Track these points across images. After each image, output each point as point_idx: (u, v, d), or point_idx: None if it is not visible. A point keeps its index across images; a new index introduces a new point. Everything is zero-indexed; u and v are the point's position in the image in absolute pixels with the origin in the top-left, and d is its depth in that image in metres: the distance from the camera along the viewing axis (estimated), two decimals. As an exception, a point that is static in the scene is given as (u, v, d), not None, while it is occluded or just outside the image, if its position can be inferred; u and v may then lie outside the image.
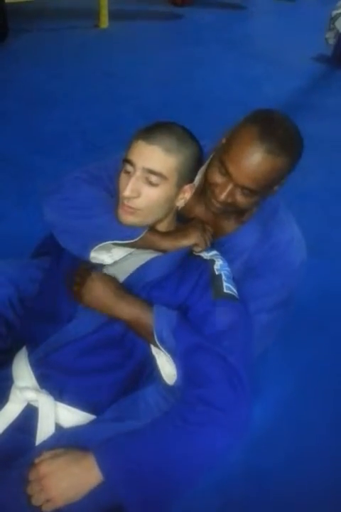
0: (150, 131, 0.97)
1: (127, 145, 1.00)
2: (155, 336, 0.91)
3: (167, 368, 0.95)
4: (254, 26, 5.16)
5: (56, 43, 3.87)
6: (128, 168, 0.97)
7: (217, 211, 1.06)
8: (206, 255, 1.02)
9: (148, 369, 0.99)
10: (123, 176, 0.98)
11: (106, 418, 0.94)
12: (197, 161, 1.02)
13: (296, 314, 1.38)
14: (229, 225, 1.12)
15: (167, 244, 1.00)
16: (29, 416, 0.95)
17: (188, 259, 1.01)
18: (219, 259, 1.02)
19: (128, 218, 0.98)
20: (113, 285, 0.97)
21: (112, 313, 0.95)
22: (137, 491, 0.84)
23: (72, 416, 0.96)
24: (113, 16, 4.33)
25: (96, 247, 0.98)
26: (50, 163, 2.27)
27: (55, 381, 0.97)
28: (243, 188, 0.98)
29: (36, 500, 0.82)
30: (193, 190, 1.05)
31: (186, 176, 1.00)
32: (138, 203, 0.96)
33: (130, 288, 0.98)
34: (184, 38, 4.45)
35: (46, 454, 0.87)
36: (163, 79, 3.46)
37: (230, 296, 0.97)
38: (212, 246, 1.07)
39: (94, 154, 2.36)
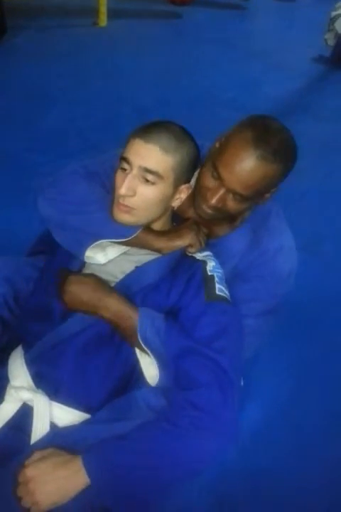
0: (148, 129, 0.97)
1: (124, 143, 1.00)
2: (139, 336, 0.91)
3: (150, 369, 0.95)
4: (253, 26, 5.16)
5: (54, 41, 3.86)
6: (125, 166, 0.97)
7: (206, 216, 1.05)
8: (199, 255, 1.03)
9: (138, 369, 0.99)
10: (119, 173, 0.98)
11: (99, 419, 0.94)
12: (194, 161, 1.02)
13: (290, 314, 1.39)
14: (221, 229, 1.13)
15: (161, 244, 1.00)
16: (24, 415, 0.95)
17: (181, 260, 1.01)
18: (212, 261, 1.02)
19: (123, 217, 0.98)
20: (91, 285, 0.96)
21: (95, 312, 0.96)
22: (124, 495, 0.84)
23: (66, 415, 0.96)
24: (112, 14, 4.32)
25: (91, 246, 0.98)
26: (47, 161, 2.26)
27: (50, 380, 0.97)
28: (234, 193, 0.98)
29: (24, 503, 0.83)
30: (190, 191, 1.05)
31: (183, 176, 1.00)
32: (134, 201, 0.96)
33: (126, 289, 0.98)
34: (183, 37, 4.44)
35: (35, 456, 0.87)
36: (161, 78, 3.46)
37: (222, 299, 0.97)
38: (205, 247, 1.07)
39: (92, 152, 2.34)
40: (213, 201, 0.99)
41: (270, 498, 1.15)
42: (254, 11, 5.50)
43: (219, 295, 0.96)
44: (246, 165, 0.94)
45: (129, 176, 0.95)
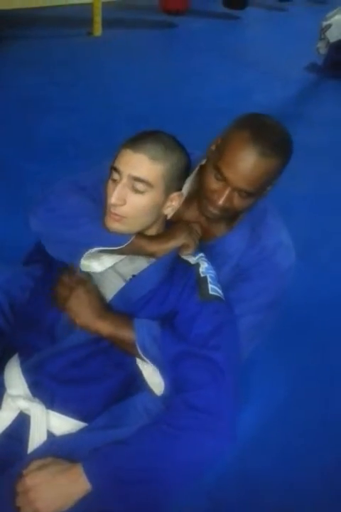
0: (137, 139, 0.98)
1: (115, 154, 1.01)
2: (138, 347, 0.92)
3: (154, 378, 0.95)
4: (247, 36, 5.23)
5: (49, 50, 3.89)
6: (115, 175, 0.97)
7: (214, 217, 1.08)
8: (193, 259, 1.03)
9: (139, 379, 1.00)
10: (110, 183, 0.99)
11: (96, 426, 0.94)
12: (185, 169, 1.03)
13: (285, 318, 1.40)
14: (219, 230, 1.14)
15: (155, 247, 1.01)
16: (21, 423, 0.95)
17: (176, 266, 1.02)
18: (205, 262, 1.03)
19: (114, 225, 0.99)
20: (95, 301, 0.97)
21: (91, 329, 0.96)
22: (125, 499, 0.84)
23: (63, 424, 0.95)
24: (106, 24, 4.37)
25: (85, 254, 0.99)
26: (41, 170, 2.28)
27: (47, 389, 0.96)
28: (240, 190, 1.00)
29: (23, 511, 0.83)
30: (182, 199, 1.06)
31: (173, 184, 1.00)
32: (125, 210, 0.97)
33: (125, 300, 0.99)
34: (177, 46, 4.50)
35: (33, 465, 0.87)
36: (155, 87, 3.49)
37: (216, 298, 0.98)
38: (201, 249, 1.07)
39: (86, 161, 2.36)
40: (221, 202, 1.01)
41: (266, 503, 1.16)
42: (247, 21, 5.57)
43: (213, 295, 0.97)
44: (248, 162, 0.97)
45: (119, 186, 0.96)
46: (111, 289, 1.02)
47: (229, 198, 1.01)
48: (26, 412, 0.95)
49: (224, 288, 1.03)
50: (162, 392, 0.94)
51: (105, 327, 0.95)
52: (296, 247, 1.18)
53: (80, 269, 1.01)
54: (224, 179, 1.00)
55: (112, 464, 0.85)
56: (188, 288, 0.98)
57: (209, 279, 0.99)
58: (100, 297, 0.99)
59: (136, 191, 0.96)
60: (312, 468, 1.23)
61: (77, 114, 2.91)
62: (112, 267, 1.01)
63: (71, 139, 2.62)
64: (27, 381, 0.98)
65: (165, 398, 0.94)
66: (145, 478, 0.85)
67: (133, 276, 1.02)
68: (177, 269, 1.02)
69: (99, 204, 1.04)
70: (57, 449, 0.91)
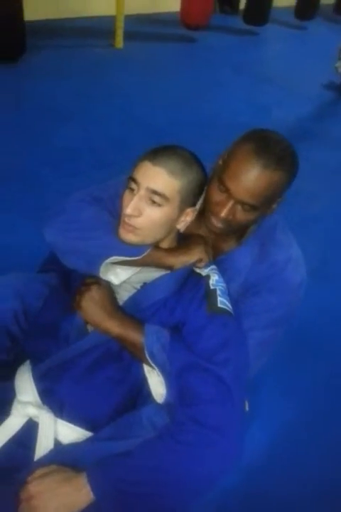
0: (157, 153, 0.99)
1: (133, 164, 1.02)
2: (146, 352, 0.92)
3: (158, 388, 0.96)
4: (266, 52, 5.26)
5: (72, 61, 3.96)
6: (133, 186, 0.98)
7: (217, 230, 1.07)
8: (204, 271, 1.03)
9: (145, 390, 1.00)
10: (127, 193, 1.00)
11: (102, 436, 0.95)
12: (201, 185, 1.04)
13: (297, 337, 1.39)
14: (228, 245, 1.14)
15: (173, 260, 1.02)
16: (29, 430, 0.96)
17: (188, 277, 1.03)
18: (215, 274, 1.03)
19: (127, 236, 0.99)
20: (107, 301, 0.99)
21: (101, 327, 0.98)
22: (128, 510, 0.84)
23: (71, 433, 0.96)
24: (128, 36, 4.43)
25: (103, 266, 1.00)
26: (59, 178, 2.32)
27: (57, 397, 0.97)
28: (243, 203, 1.00)
29: None
30: (195, 214, 1.06)
31: (188, 200, 1.01)
32: (139, 222, 0.98)
33: (136, 305, 1.00)
34: (196, 61, 4.54)
35: (38, 472, 0.88)
36: (174, 100, 3.52)
37: (224, 311, 0.97)
38: (212, 262, 1.08)
39: (103, 171, 2.39)
40: (223, 214, 1.01)
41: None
42: (266, 38, 5.60)
43: (221, 308, 0.97)
44: (251, 174, 0.97)
45: (136, 197, 0.97)
46: (123, 296, 1.03)
47: (232, 211, 1.01)
48: (35, 419, 0.96)
49: (236, 303, 1.02)
50: (163, 402, 0.94)
51: (114, 326, 0.96)
52: (311, 266, 1.18)
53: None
54: (227, 191, 1.00)
55: (116, 475, 0.85)
56: (197, 299, 0.98)
57: (218, 292, 0.99)
58: (113, 299, 1.00)
59: (152, 204, 0.97)
60: (320, 489, 1.21)
61: (96, 125, 2.96)
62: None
63: (89, 148, 2.66)
64: (37, 388, 0.99)
65: (167, 406, 0.94)
66: (148, 492, 0.85)
67: (144, 283, 1.03)
68: (188, 280, 1.02)
69: (115, 217, 1.05)
70: (63, 457, 0.92)
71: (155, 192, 0.96)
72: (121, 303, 1.02)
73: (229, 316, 0.98)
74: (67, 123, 2.91)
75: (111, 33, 4.41)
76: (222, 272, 1.07)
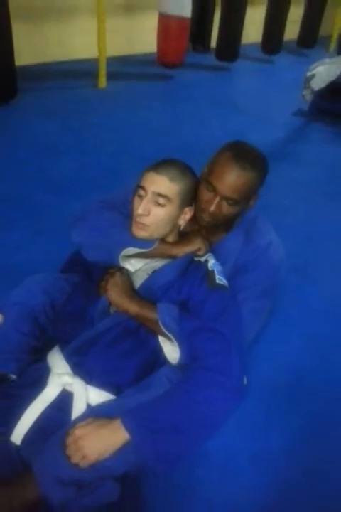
0: (159, 164, 1.25)
1: (139, 176, 1.28)
2: (160, 323, 1.14)
3: (172, 353, 1.17)
4: (238, 85, 5.65)
5: (60, 101, 4.22)
6: (141, 192, 1.23)
7: (207, 224, 1.33)
8: (203, 258, 1.28)
9: (161, 357, 1.20)
10: (136, 199, 1.25)
11: (127, 394, 1.13)
12: (195, 189, 1.30)
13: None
14: (217, 237, 1.40)
15: (176, 250, 1.26)
16: (64, 398, 1.14)
17: (190, 264, 1.26)
18: (212, 259, 1.28)
19: (139, 233, 1.24)
20: (127, 286, 1.21)
21: (122, 308, 1.19)
22: (155, 446, 1.01)
23: (99, 396, 1.15)
24: (110, 76, 4.75)
25: (121, 257, 1.22)
26: (61, 201, 2.54)
27: (86, 367, 1.17)
28: (227, 198, 1.26)
29: (74, 459, 1.00)
30: (192, 213, 1.31)
31: (186, 200, 1.27)
32: (148, 220, 1.22)
33: (148, 288, 1.21)
34: (174, 95, 4.87)
35: (78, 424, 1.05)
36: (157, 131, 3.80)
37: (222, 286, 1.21)
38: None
39: (100, 193, 2.63)
40: (212, 208, 1.27)
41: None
42: (238, 72, 6.01)
43: (219, 284, 1.21)
44: (232, 175, 1.24)
45: (145, 200, 1.22)
46: (137, 282, 1.25)
47: (219, 206, 1.27)
48: (68, 387, 1.14)
49: (228, 280, 1.26)
50: (178, 361, 1.14)
51: (133, 307, 1.17)
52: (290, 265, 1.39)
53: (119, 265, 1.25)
54: (213, 189, 1.26)
55: (145, 417, 1.03)
56: (199, 279, 1.21)
57: (216, 272, 1.23)
58: (131, 284, 1.22)
59: (158, 204, 1.21)
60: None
61: (88, 156, 3.19)
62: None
63: (84, 177, 2.88)
64: (68, 363, 1.18)
65: (181, 367, 1.14)
66: (171, 428, 1.03)
67: (154, 271, 1.25)
68: (190, 265, 1.25)
69: (127, 218, 1.29)
70: (96, 413, 1.09)
71: (159, 194, 1.21)
72: (136, 287, 1.25)
73: (226, 290, 1.21)
74: (60, 156, 3.14)
75: (94, 74, 4.72)
76: (216, 257, 1.31)
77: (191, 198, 1.30)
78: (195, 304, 1.18)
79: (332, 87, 4.27)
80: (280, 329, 1.82)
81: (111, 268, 1.25)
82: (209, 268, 1.24)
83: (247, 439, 1.40)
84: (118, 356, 1.17)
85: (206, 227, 1.35)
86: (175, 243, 1.28)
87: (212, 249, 1.36)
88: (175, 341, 1.13)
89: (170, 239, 1.30)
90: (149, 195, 1.22)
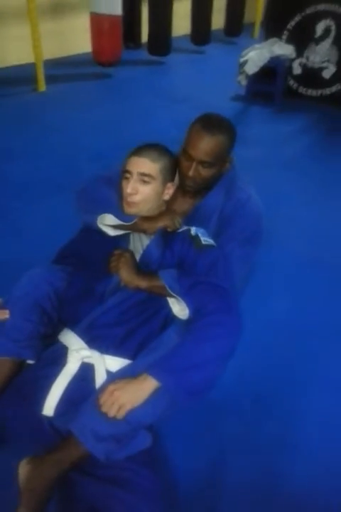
0: (140, 148, 1.42)
1: (123, 162, 1.43)
2: (167, 287, 1.27)
3: (181, 311, 1.31)
4: (175, 78, 5.82)
5: (3, 108, 4.17)
6: (127, 175, 1.40)
7: (191, 189, 1.52)
8: (183, 229, 1.43)
9: (168, 320, 1.33)
10: (124, 182, 1.41)
11: (142, 356, 1.25)
12: (174, 166, 1.48)
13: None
14: (201, 197, 1.58)
15: (146, 225, 1.42)
16: (85, 370, 1.24)
17: (173, 236, 1.41)
18: (193, 228, 1.43)
19: (130, 209, 1.40)
20: (135, 265, 1.34)
21: (133, 284, 1.31)
22: (181, 381, 1.13)
23: (117, 363, 1.26)
24: (49, 79, 4.74)
25: (98, 221, 1.41)
26: (20, 204, 2.60)
27: (101, 340, 1.27)
28: (202, 162, 1.45)
29: (111, 412, 1.10)
30: (174, 187, 1.48)
31: (168, 177, 1.44)
32: (137, 197, 1.38)
33: (145, 263, 1.36)
34: (116, 92, 4.95)
35: (110, 383, 1.16)
36: (106, 128, 3.87)
37: (208, 245, 1.37)
38: (190, 218, 1.52)
39: (59, 194, 2.69)
40: (191, 173, 1.47)
41: None
42: (173, 65, 6.18)
43: (205, 244, 1.37)
44: (203, 141, 1.44)
45: (132, 180, 1.38)
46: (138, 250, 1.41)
47: (196, 170, 1.47)
48: (87, 360, 1.24)
49: (216, 234, 1.45)
50: (188, 317, 1.28)
51: (143, 282, 1.30)
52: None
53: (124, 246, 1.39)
54: (190, 157, 1.46)
55: (166, 363, 1.15)
56: (186, 245, 1.37)
57: (199, 235, 1.39)
58: (137, 263, 1.34)
59: (144, 183, 1.38)
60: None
61: (42, 158, 3.21)
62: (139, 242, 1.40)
63: (41, 178, 2.92)
64: (83, 339, 1.28)
65: (188, 322, 1.27)
66: (190, 365, 1.15)
67: (143, 250, 1.40)
68: (176, 238, 1.40)
69: (117, 191, 1.46)
70: (119, 377, 1.19)
71: (143, 174, 1.37)
72: None
73: (213, 247, 1.37)
74: (15, 161, 3.14)
75: (31, 79, 4.68)
76: (202, 214, 1.50)
77: (172, 174, 1.46)
78: (188, 266, 1.34)
79: (265, 71, 4.57)
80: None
81: (116, 249, 1.36)
82: (193, 234, 1.40)
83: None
84: (131, 325, 1.29)
85: (191, 192, 1.54)
86: (146, 219, 1.43)
87: (197, 207, 1.55)
88: (181, 300, 1.27)
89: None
90: (135, 176, 1.38)
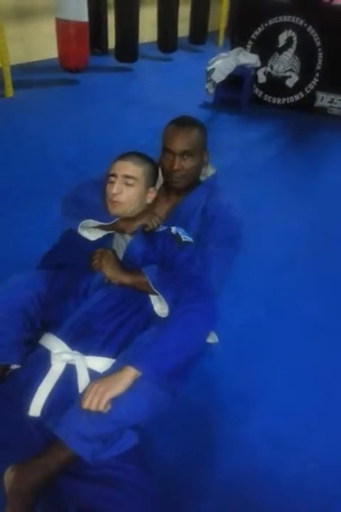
0: (123, 154, 1.50)
1: (108, 167, 1.50)
2: (149, 282, 1.33)
3: (162, 310, 1.36)
4: (143, 84, 5.86)
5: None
6: (112, 178, 1.46)
7: (177, 185, 1.61)
8: (161, 229, 1.50)
9: (151, 317, 1.37)
10: (109, 185, 1.47)
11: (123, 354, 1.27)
12: (156, 172, 1.56)
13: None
14: (185, 194, 1.66)
15: (124, 225, 1.48)
16: (69, 372, 1.25)
17: (154, 235, 1.47)
18: (173, 227, 1.50)
19: (115, 210, 1.46)
20: (117, 261, 1.40)
21: (117, 280, 1.37)
22: (161, 365, 1.18)
23: (99, 362, 1.28)
24: (15, 85, 4.68)
25: (86, 228, 1.45)
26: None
27: (86, 338, 1.29)
28: (182, 153, 1.55)
29: (92, 406, 1.12)
30: (155, 192, 1.56)
31: (150, 181, 1.52)
32: (122, 198, 1.45)
33: (128, 260, 1.42)
34: (84, 98, 4.95)
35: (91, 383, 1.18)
36: (76, 135, 3.87)
37: (188, 242, 1.46)
38: (174, 214, 1.60)
39: (37, 201, 2.68)
40: (175, 166, 1.56)
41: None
42: (140, 72, 6.22)
43: (185, 241, 1.45)
44: (180, 134, 1.55)
45: (117, 182, 1.44)
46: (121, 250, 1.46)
47: (179, 163, 1.56)
48: (71, 362, 1.26)
49: (198, 234, 1.54)
50: (167, 315, 1.33)
51: (126, 277, 1.37)
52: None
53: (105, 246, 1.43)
54: (171, 152, 1.56)
55: (144, 351, 1.20)
56: (168, 243, 1.45)
57: (180, 233, 1.47)
58: (119, 260, 1.40)
59: (128, 185, 1.45)
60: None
61: (14, 166, 3.18)
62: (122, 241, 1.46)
63: (17, 185, 2.90)
64: (65, 341, 1.30)
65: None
66: (169, 350, 1.20)
67: (127, 247, 1.46)
68: (158, 236, 1.47)
69: (101, 195, 1.52)
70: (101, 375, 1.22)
71: (128, 176, 1.44)
72: None
73: (192, 244, 1.46)
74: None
75: (-1, 85, 4.62)
76: (186, 208, 1.59)
77: (154, 179, 1.55)
78: (169, 260, 1.41)
79: (231, 79, 4.70)
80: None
81: (98, 248, 1.40)
82: (173, 232, 1.47)
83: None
84: (114, 322, 1.32)
85: (179, 188, 1.63)
86: (124, 219, 1.49)
87: (181, 203, 1.63)
88: (162, 298, 1.31)
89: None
90: (119, 178, 1.45)
